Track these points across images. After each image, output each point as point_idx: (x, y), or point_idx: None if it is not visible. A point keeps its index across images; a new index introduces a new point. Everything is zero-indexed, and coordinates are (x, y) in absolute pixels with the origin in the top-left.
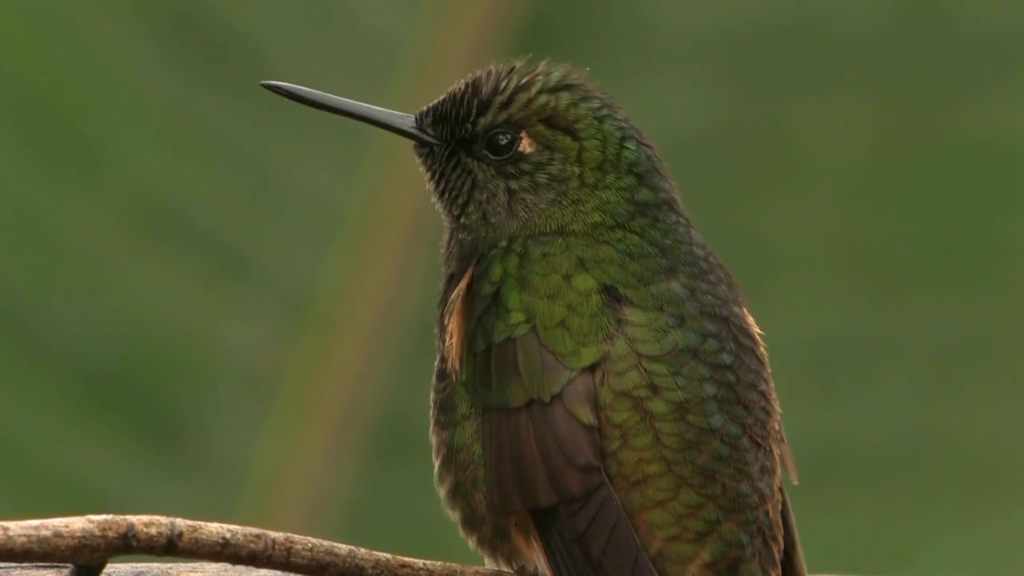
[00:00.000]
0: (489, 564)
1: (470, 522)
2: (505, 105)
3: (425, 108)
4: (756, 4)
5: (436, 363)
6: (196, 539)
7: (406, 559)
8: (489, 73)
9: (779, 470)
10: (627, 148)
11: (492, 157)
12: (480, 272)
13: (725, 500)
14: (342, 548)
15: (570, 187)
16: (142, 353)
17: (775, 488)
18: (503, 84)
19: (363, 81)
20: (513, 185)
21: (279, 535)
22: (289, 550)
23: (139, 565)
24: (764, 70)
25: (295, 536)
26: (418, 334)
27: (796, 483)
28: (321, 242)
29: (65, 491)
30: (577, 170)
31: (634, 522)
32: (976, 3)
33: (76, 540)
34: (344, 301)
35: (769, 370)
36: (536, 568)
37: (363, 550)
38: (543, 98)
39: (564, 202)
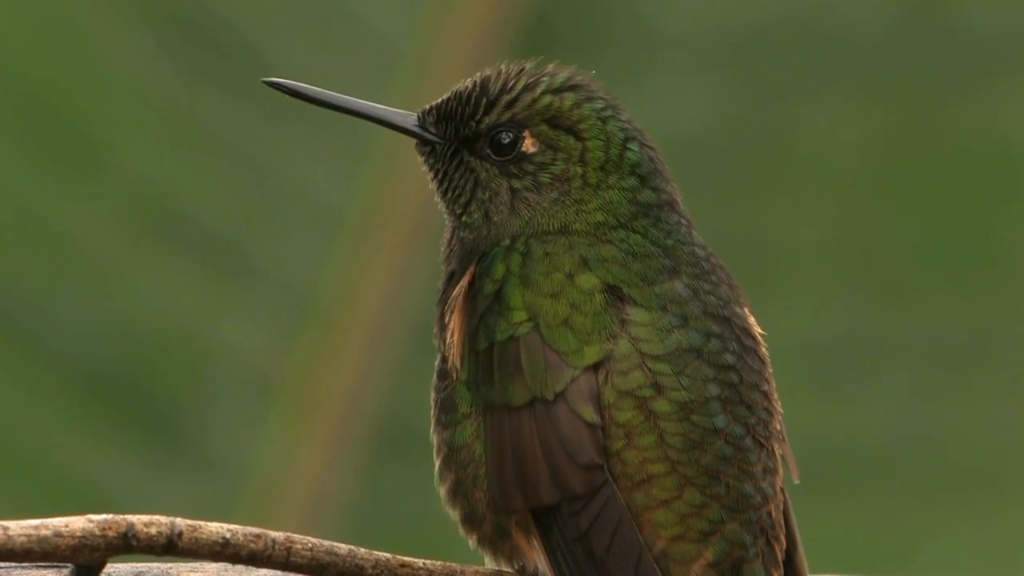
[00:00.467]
0: (489, 563)
1: (470, 521)
2: (510, 104)
3: (428, 106)
4: (757, 4)
5: (436, 362)
6: (196, 539)
7: (406, 559)
8: (497, 73)
9: (781, 470)
10: (630, 149)
11: (495, 156)
12: (482, 270)
13: (729, 500)
14: (342, 548)
15: (573, 187)
16: (143, 353)
17: (777, 488)
18: (510, 84)
19: (365, 80)
20: (516, 184)
21: (279, 535)
22: (289, 550)
23: (139, 565)
24: (765, 70)
25: (295, 536)
26: (420, 334)
27: (797, 482)
28: (323, 242)
29: (66, 491)
30: (580, 170)
31: (638, 522)
32: (977, 4)
33: (76, 540)
34: (346, 301)
35: (771, 370)
36: (537, 567)
37: (363, 550)
38: (547, 98)
39: (567, 201)
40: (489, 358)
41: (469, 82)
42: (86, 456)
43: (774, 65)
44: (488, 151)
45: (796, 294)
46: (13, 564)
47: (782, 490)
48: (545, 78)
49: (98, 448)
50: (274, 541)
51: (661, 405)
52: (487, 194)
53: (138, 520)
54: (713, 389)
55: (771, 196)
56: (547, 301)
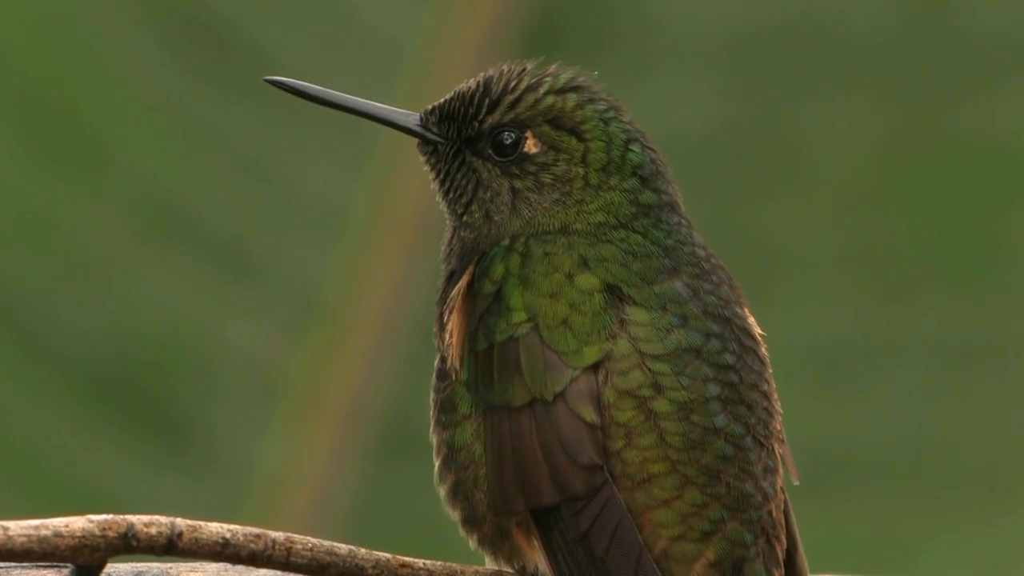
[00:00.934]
0: (489, 564)
1: (470, 521)
2: (512, 105)
3: (431, 106)
4: (761, 5)
5: (436, 362)
6: (196, 539)
7: (406, 559)
8: (500, 73)
9: (781, 470)
10: (632, 151)
11: (497, 157)
12: (481, 271)
13: (729, 500)
14: (342, 548)
15: (574, 187)
16: (147, 352)
17: (778, 488)
18: (512, 84)
19: (369, 81)
20: (517, 184)
21: (279, 535)
22: (289, 550)
23: (139, 565)
24: (769, 71)
25: (295, 536)
26: (423, 334)
27: (797, 483)
28: (327, 242)
29: (69, 491)
30: (582, 171)
31: (639, 521)
32: (981, 4)
33: (76, 540)
34: (349, 301)
35: (771, 371)
36: (537, 568)
37: (363, 550)
38: (550, 99)
39: (568, 202)
40: (489, 359)
41: (472, 82)
42: (88, 456)
43: (778, 66)
44: (490, 151)
45: (800, 295)
46: (13, 564)
47: (782, 490)
48: (548, 79)
49: (100, 448)
50: (274, 541)
51: (661, 405)
52: (488, 194)
53: (138, 520)
54: (713, 389)
55: (775, 197)
56: (546, 301)
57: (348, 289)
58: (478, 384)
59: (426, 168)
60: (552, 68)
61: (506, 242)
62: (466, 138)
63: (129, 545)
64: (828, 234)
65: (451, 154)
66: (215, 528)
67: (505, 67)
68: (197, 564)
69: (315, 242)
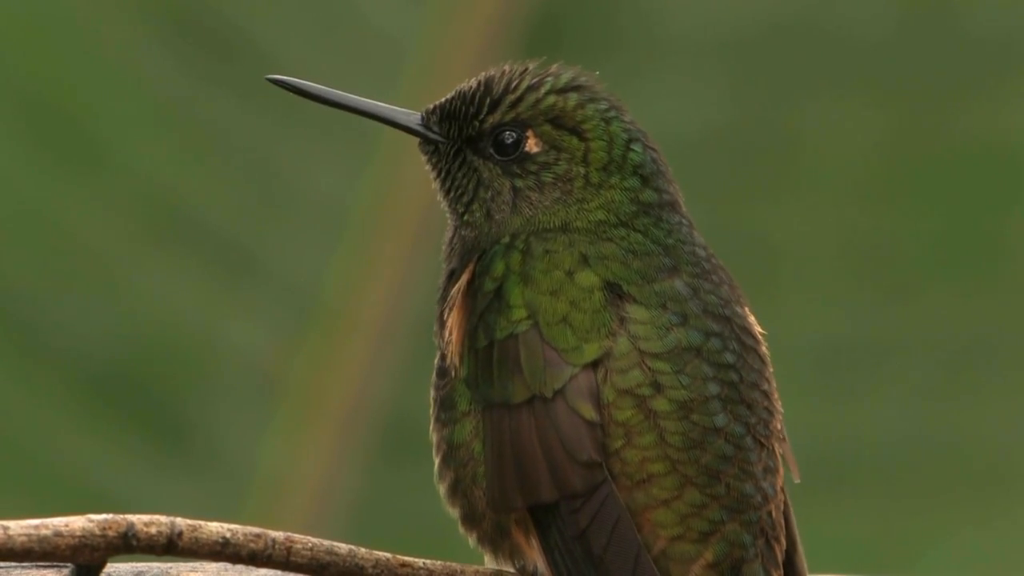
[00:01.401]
0: (489, 562)
1: (470, 519)
2: (514, 104)
3: (432, 106)
4: (763, 5)
5: (436, 360)
6: (196, 538)
7: (406, 558)
8: (502, 73)
9: (782, 470)
10: (633, 150)
11: (498, 156)
12: (482, 268)
13: (729, 500)
14: (342, 547)
15: (575, 186)
16: (148, 352)
17: (778, 488)
18: (514, 84)
19: (369, 81)
20: (519, 184)
21: (279, 534)
22: (289, 549)
23: (139, 565)
24: (770, 71)
25: (295, 535)
26: (424, 334)
27: (798, 482)
28: (328, 242)
29: (70, 491)
30: (583, 170)
31: (638, 521)
32: (982, 4)
33: (76, 539)
34: (351, 301)
35: (771, 370)
36: (536, 567)
37: (363, 550)
38: (551, 98)
39: (569, 200)
40: (489, 356)
41: (473, 82)
42: (88, 456)
43: (778, 66)
44: (491, 151)
45: (801, 295)
46: (13, 564)
47: (782, 490)
48: (549, 78)
49: (101, 448)
50: (274, 541)
51: (660, 404)
52: (489, 193)
53: (138, 520)
54: (713, 388)
55: (776, 197)
56: (546, 299)
57: (349, 289)
58: (478, 381)
59: (427, 168)
60: (554, 68)
61: (507, 240)
62: (467, 137)
63: (129, 544)
64: (829, 234)
65: (452, 153)
66: (215, 528)
67: (507, 67)
68: (197, 564)
69: (316, 242)
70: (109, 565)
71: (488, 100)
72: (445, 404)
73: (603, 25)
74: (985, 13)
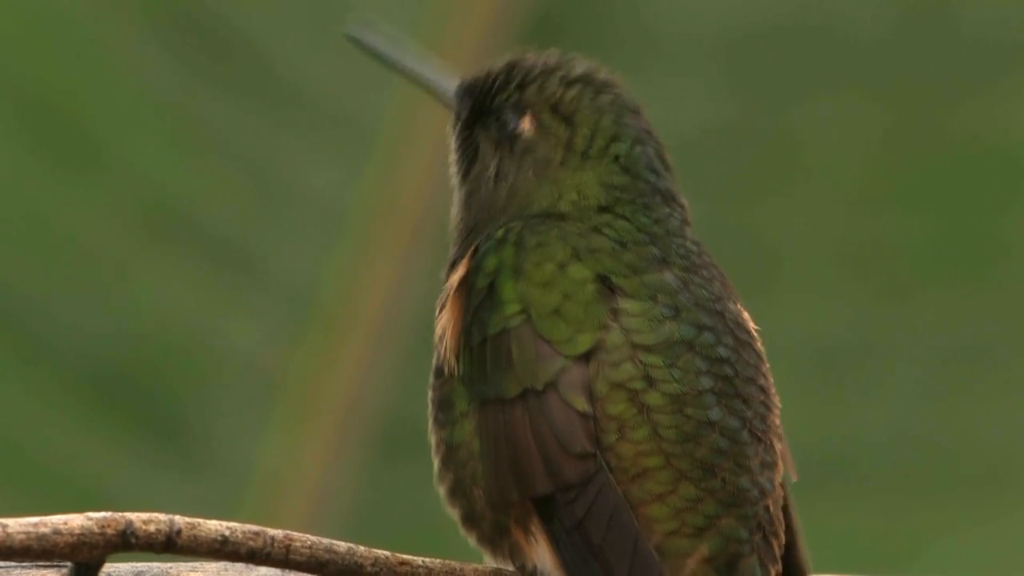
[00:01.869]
0: (489, 562)
1: (470, 519)
2: (521, 86)
3: (464, 79)
4: (761, 4)
5: (433, 360)
6: (195, 536)
7: (405, 557)
8: (525, 56)
9: (780, 465)
10: (619, 142)
11: (497, 134)
12: (475, 265)
13: (724, 494)
14: (341, 546)
15: (550, 169)
16: (146, 352)
17: (776, 483)
18: (530, 67)
19: (367, 80)
20: (504, 163)
21: (278, 532)
22: (288, 547)
23: (139, 565)
24: (769, 70)
25: (294, 533)
26: (422, 333)
27: (795, 480)
28: (326, 241)
29: (67, 489)
30: (561, 155)
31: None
32: (981, 3)
33: (75, 537)
34: (348, 300)
35: (768, 365)
36: (536, 566)
37: (362, 548)
38: (555, 86)
39: (542, 182)
40: (483, 352)
41: (501, 61)
42: (87, 455)
43: (776, 65)
44: (493, 128)
45: (799, 294)
46: (13, 564)
47: (782, 485)
48: (564, 68)
49: (99, 447)
50: (273, 539)
51: (653, 398)
52: (478, 168)
53: (137, 518)
54: (706, 382)
55: (774, 196)
56: (539, 291)
57: (347, 288)
58: (473, 378)
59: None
60: (574, 59)
61: (500, 233)
62: (478, 112)
63: (128, 543)
64: (826, 233)
65: (462, 127)
66: (214, 526)
67: (532, 52)
68: (197, 563)
69: (314, 242)
70: (109, 565)
71: (503, 80)
72: (443, 404)
73: (601, 25)
74: (983, 13)
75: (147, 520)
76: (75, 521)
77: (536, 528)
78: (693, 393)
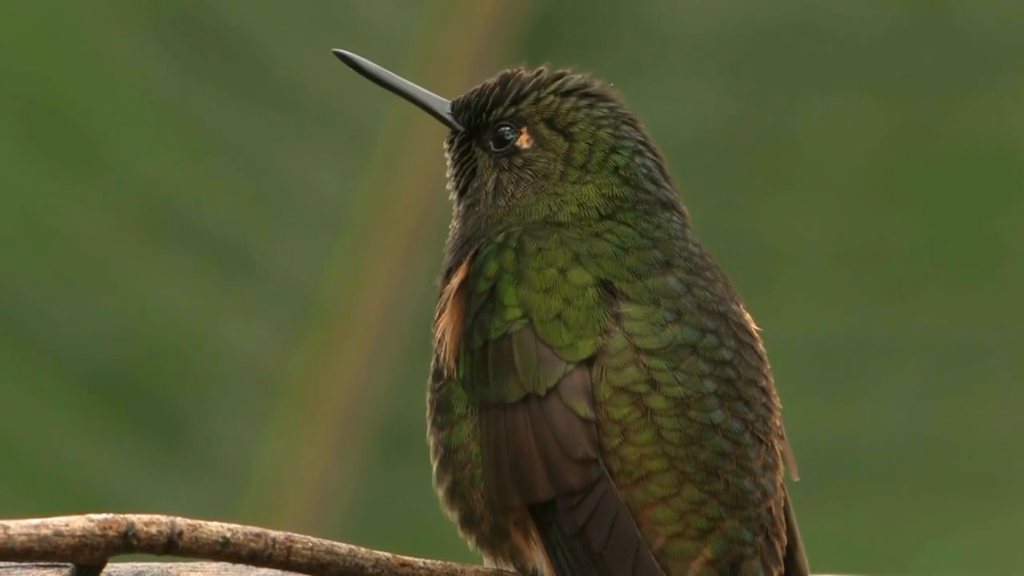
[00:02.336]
0: (488, 564)
1: (469, 521)
2: (516, 101)
3: (461, 96)
4: (760, 4)
5: (432, 363)
6: (196, 538)
7: (406, 558)
8: (518, 71)
9: (781, 466)
10: (618, 154)
11: (494, 149)
12: (475, 269)
13: (728, 497)
14: (342, 547)
15: (550, 182)
16: (145, 353)
17: (777, 484)
18: (524, 82)
19: (366, 80)
20: (503, 177)
21: (279, 534)
22: (289, 549)
23: (139, 565)
24: (768, 70)
25: (295, 535)
26: (421, 335)
27: (797, 479)
28: (325, 243)
29: (68, 491)
30: (561, 168)
31: (637, 519)
32: (980, 4)
33: (76, 539)
34: (347, 301)
35: (769, 367)
36: (535, 567)
37: (363, 549)
38: (551, 99)
39: (542, 195)
40: (484, 356)
41: (495, 77)
42: (87, 456)
43: (776, 65)
44: (491, 143)
45: (799, 294)
46: (13, 564)
47: (782, 486)
48: (558, 81)
49: (99, 448)
50: (274, 540)
51: (657, 401)
52: (477, 183)
53: (138, 519)
54: (709, 385)
55: (774, 196)
56: (540, 296)
57: (346, 289)
58: (474, 382)
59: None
60: (568, 72)
61: (500, 238)
62: (475, 128)
63: (129, 544)
64: (826, 233)
65: (460, 143)
66: (215, 527)
67: (525, 66)
68: (197, 564)
69: (313, 243)
70: (109, 565)
71: (498, 95)
72: (441, 407)
73: (600, 25)
74: (982, 13)
75: (148, 522)
76: (77, 523)
77: (535, 531)
78: (696, 396)
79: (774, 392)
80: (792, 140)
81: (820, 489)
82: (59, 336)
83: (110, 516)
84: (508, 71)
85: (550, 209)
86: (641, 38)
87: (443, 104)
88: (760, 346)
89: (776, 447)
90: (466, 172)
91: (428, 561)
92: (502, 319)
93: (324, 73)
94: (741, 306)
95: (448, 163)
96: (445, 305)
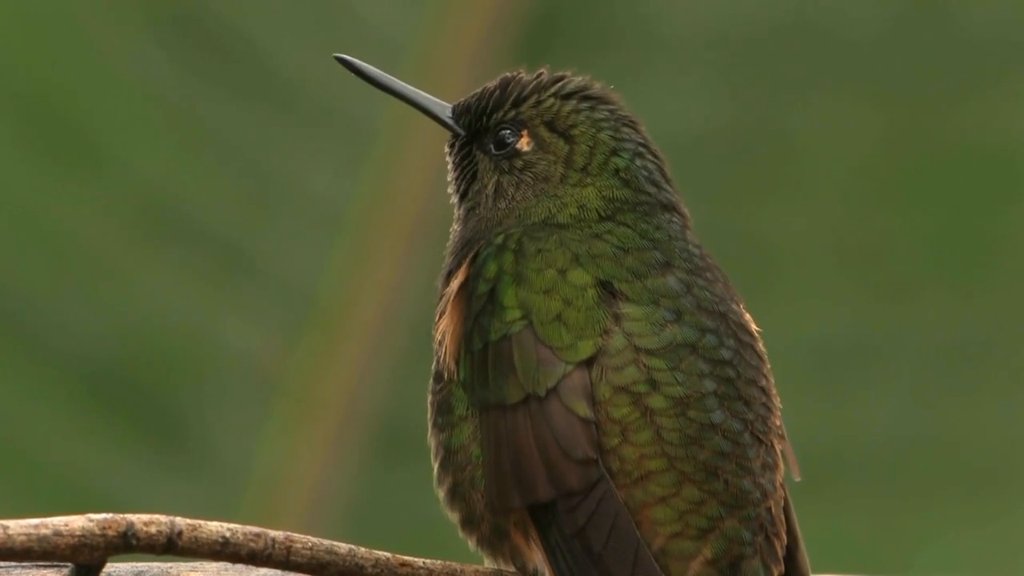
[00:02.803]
0: (489, 564)
1: (469, 522)
2: (517, 103)
3: (461, 100)
4: (759, 4)
5: (433, 365)
6: (196, 538)
7: (406, 558)
8: (518, 74)
9: (781, 466)
10: (619, 156)
11: (495, 152)
12: (475, 271)
13: (727, 496)
14: (342, 547)
15: (550, 184)
16: (144, 352)
17: (777, 484)
18: (524, 85)
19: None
20: (503, 180)
21: (279, 534)
22: (289, 549)
23: (139, 564)
24: (767, 70)
25: (295, 535)
26: (419, 334)
27: (798, 479)
28: (324, 242)
29: (67, 490)
30: (561, 171)
31: (636, 519)
32: (979, 3)
33: (76, 539)
34: (346, 301)
35: (769, 366)
36: (536, 567)
37: (363, 549)
38: (551, 101)
39: (542, 198)
40: (484, 358)
41: (495, 80)
42: (86, 455)
43: (775, 65)
44: (491, 146)
45: (798, 294)
46: (13, 564)
47: (782, 486)
48: (557, 83)
49: (98, 447)
50: (274, 540)
51: (656, 401)
52: (478, 186)
53: (138, 519)
54: (709, 384)
55: (773, 196)
56: (540, 297)
57: (345, 289)
58: (475, 384)
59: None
60: (568, 74)
61: (499, 240)
62: (475, 132)
63: (129, 544)
64: (825, 233)
65: (461, 146)
66: (215, 527)
67: (525, 69)
68: (197, 564)
69: (312, 242)
70: (109, 565)
71: (498, 98)
72: (442, 408)
73: (599, 25)
74: (981, 13)
75: (148, 522)
76: (76, 523)
77: (535, 532)
78: (696, 396)
79: (774, 392)
80: (791, 140)
81: (818, 489)
82: (58, 336)
83: (109, 516)
84: (508, 74)
85: (550, 211)
86: (640, 38)
87: (444, 108)
88: (760, 346)
89: (776, 447)
90: (467, 175)
91: (428, 561)
92: (502, 320)
93: (323, 73)
94: (741, 306)
95: (449, 167)
96: (445, 307)
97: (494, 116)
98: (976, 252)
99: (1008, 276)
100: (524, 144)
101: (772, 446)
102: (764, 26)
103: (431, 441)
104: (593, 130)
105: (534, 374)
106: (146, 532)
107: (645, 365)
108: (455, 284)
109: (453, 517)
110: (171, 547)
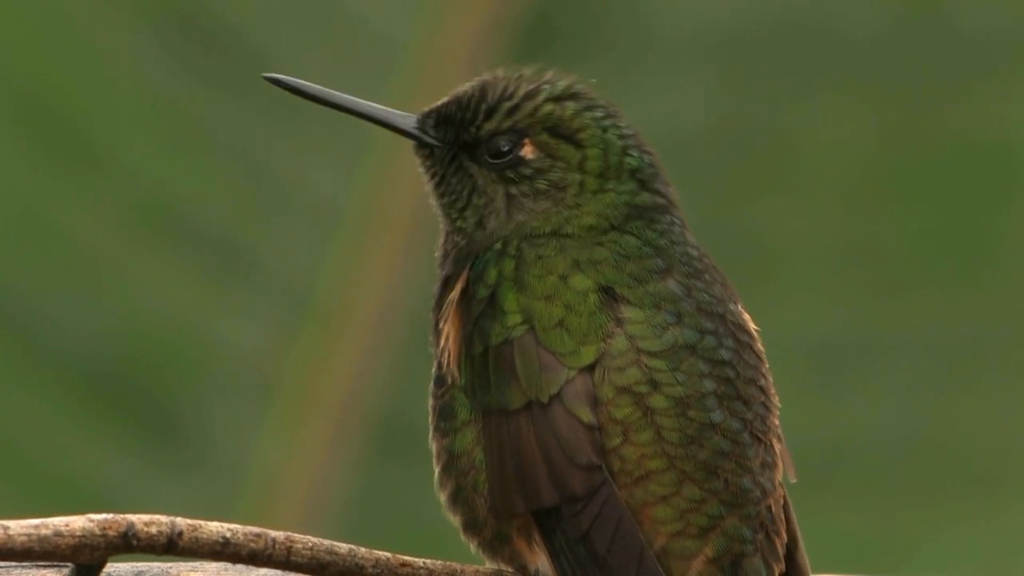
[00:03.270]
0: (490, 566)
1: (471, 526)
2: (511, 112)
3: (428, 109)
4: (755, 3)
5: (433, 369)
6: (196, 538)
7: (406, 558)
8: (497, 79)
9: (780, 465)
10: (630, 155)
11: (494, 162)
12: (475, 275)
13: (727, 495)
14: (342, 547)
15: (569, 193)
16: (142, 351)
17: (777, 483)
18: (510, 91)
19: (363, 79)
20: (513, 190)
21: (279, 534)
22: (289, 549)
23: (139, 564)
24: (763, 69)
25: (295, 535)
26: (418, 332)
27: (794, 481)
28: (321, 241)
29: (66, 490)
30: (578, 177)
31: (638, 518)
32: (976, 3)
33: (76, 539)
34: (344, 299)
35: (767, 366)
36: (538, 571)
37: (363, 549)
38: (548, 107)
39: (561, 207)
40: (485, 362)
41: (468, 87)
42: (86, 455)
43: (772, 64)
44: (487, 157)
45: (795, 293)
46: (13, 564)
47: (782, 485)
48: (546, 86)
49: (97, 447)
50: (274, 540)
51: (657, 401)
52: (483, 200)
53: (138, 519)
54: (709, 385)
55: (769, 195)
56: (541, 304)
57: (343, 287)
58: (476, 388)
59: (421, 171)
60: (549, 75)
61: (499, 246)
62: (463, 143)
63: (129, 544)
64: (823, 232)
65: (448, 159)
66: (215, 527)
67: (501, 72)
68: (197, 564)
69: (310, 241)
70: (109, 565)
71: (485, 106)
72: (444, 413)
73: (596, 24)
74: (978, 12)
75: (148, 522)
76: (76, 523)
77: (539, 537)
78: (696, 396)
79: (773, 391)
80: (788, 138)
81: (816, 487)
82: (56, 334)
83: (110, 516)
84: (486, 77)
85: (566, 221)
86: (637, 36)
87: (406, 118)
88: (758, 345)
89: (775, 446)
90: (463, 189)
91: (428, 561)
92: (503, 325)
93: (322, 72)
94: (739, 306)
95: (431, 179)
96: (447, 313)
97: (485, 126)
98: (973, 250)
99: (1005, 274)
100: (528, 152)
101: (771, 445)
102: (761, 25)
103: (433, 445)
104: (599, 131)
105: (537, 380)
106: (146, 532)
107: (647, 366)
108: (457, 289)
109: (455, 521)
110: (171, 547)
